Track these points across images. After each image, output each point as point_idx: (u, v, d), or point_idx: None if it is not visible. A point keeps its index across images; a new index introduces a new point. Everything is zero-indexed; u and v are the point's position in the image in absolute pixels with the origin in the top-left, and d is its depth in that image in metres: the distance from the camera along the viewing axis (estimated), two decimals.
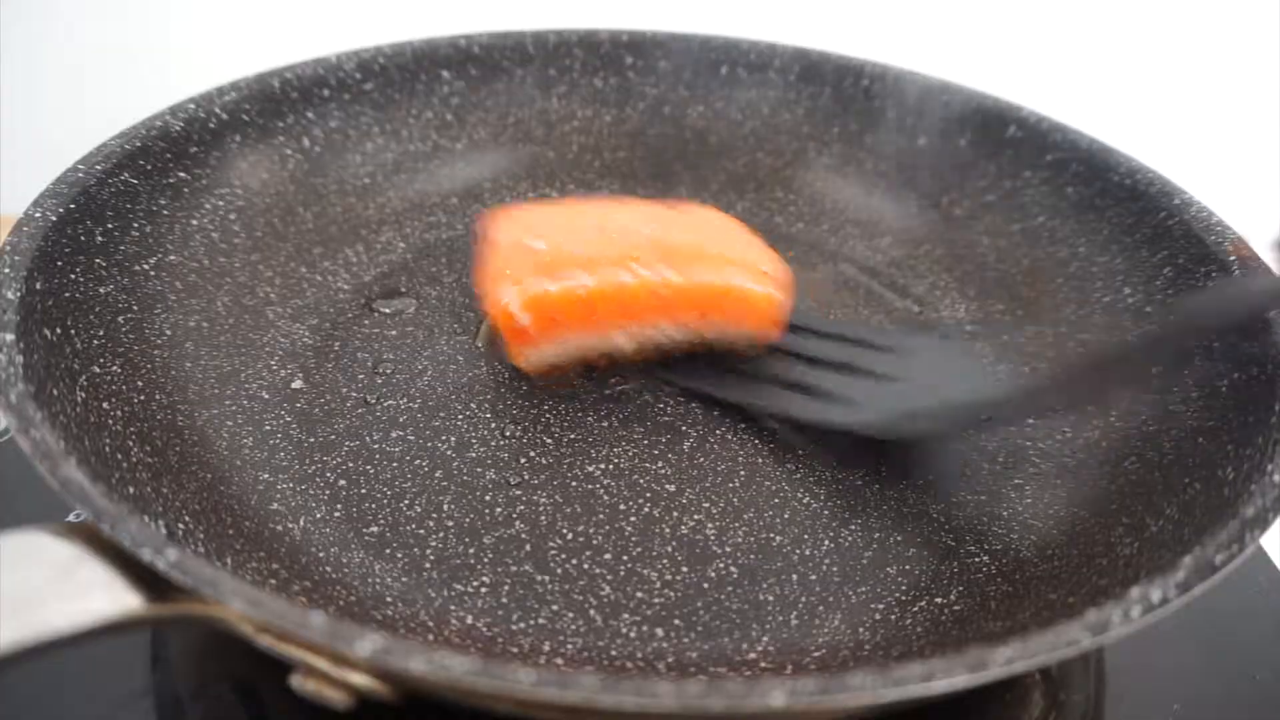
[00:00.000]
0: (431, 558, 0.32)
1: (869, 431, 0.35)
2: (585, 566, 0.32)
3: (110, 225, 0.36)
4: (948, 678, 0.21)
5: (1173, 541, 0.29)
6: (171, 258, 0.38)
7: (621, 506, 0.34)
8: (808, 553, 0.33)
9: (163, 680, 0.31)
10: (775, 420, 0.37)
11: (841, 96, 0.49)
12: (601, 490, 0.35)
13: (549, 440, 0.37)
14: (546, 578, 0.32)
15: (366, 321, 0.41)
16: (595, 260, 0.36)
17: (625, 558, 0.32)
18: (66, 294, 0.33)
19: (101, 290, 0.34)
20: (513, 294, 0.36)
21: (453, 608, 0.31)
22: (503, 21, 0.50)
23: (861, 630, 0.31)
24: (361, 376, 0.39)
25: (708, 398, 0.38)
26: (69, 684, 0.30)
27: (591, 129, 0.50)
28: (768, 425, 0.37)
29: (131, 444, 0.31)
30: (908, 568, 0.33)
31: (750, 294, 0.37)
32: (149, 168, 0.38)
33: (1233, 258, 0.36)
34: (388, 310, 0.42)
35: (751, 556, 0.33)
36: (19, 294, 0.30)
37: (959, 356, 0.38)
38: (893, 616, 0.31)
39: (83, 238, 0.34)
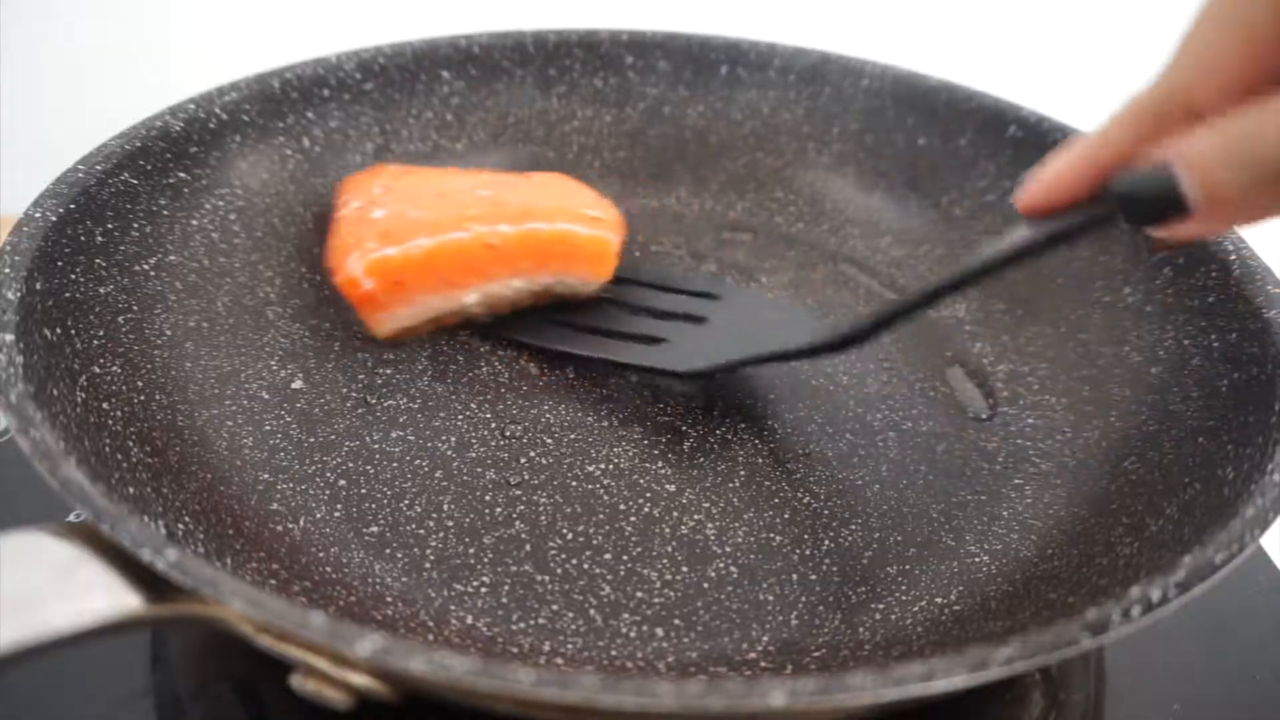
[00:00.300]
0: (431, 558, 0.32)
1: (675, 370, 0.38)
2: (585, 566, 0.32)
3: (110, 225, 0.36)
4: (948, 677, 0.21)
5: (1173, 541, 0.29)
6: (171, 258, 0.38)
7: (621, 506, 0.34)
8: (807, 552, 0.33)
9: (162, 680, 0.31)
10: (606, 364, 0.39)
11: (841, 96, 0.49)
12: (601, 490, 0.35)
13: (549, 440, 0.37)
14: (546, 578, 0.32)
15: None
16: (433, 223, 0.38)
17: (625, 558, 0.32)
18: (66, 294, 0.33)
19: (101, 290, 0.34)
20: (356, 261, 0.37)
21: (453, 608, 0.31)
22: (503, 21, 0.50)
23: (861, 630, 0.31)
24: (361, 376, 0.39)
25: (544, 350, 0.40)
26: (69, 684, 0.30)
27: (591, 129, 0.50)
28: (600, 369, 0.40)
29: (131, 444, 0.31)
30: (907, 567, 0.33)
31: (580, 237, 0.39)
32: (149, 168, 0.38)
33: (1233, 257, 0.36)
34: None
35: (751, 556, 0.33)
36: (19, 294, 0.30)
37: (772, 305, 0.41)
38: (893, 616, 0.31)
39: (83, 238, 0.34)
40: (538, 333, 0.40)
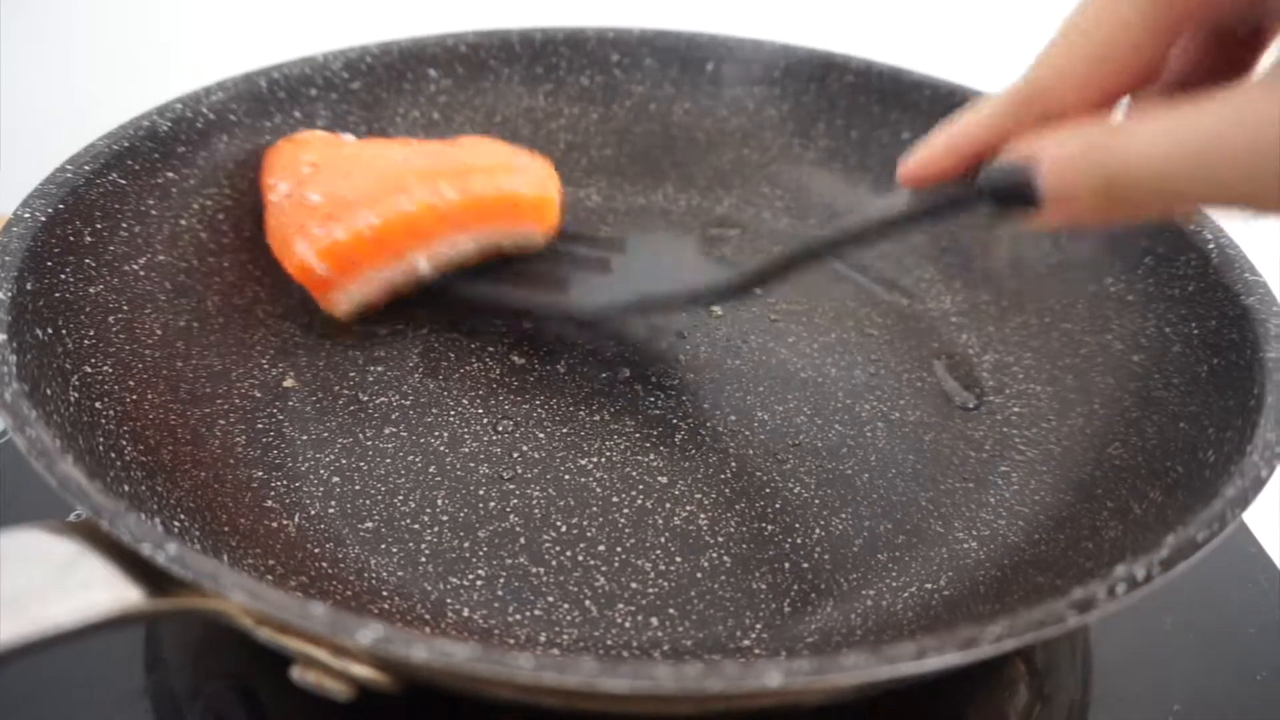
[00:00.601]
0: (427, 552, 0.32)
1: (583, 314, 0.40)
2: (580, 558, 0.32)
3: (99, 225, 0.36)
4: (939, 655, 0.21)
5: (1156, 523, 0.29)
6: (161, 258, 0.38)
7: (614, 499, 0.34)
8: (799, 541, 0.33)
9: (159, 680, 0.31)
10: (526, 314, 0.42)
11: (826, 92, 0.50)
12: (594, 483, 0.35)
13: (541, 435, 0.37)
14: (541, 570, 0.32)
15: (357, 318, 0.41)
16: (373, 196, 0.38)
17: (619, 549, 0.33)
18: (57, 294, 0.33)
19: (91, 290, 0.34)
20: (305, 249, 0.37)
21: (449, 601, 0.31)
22: (489, 20, 0.50)
23: (853, 616, 0.31)
24: (353, 374, 0.39)
25: (480, 306, 0.41)
26: (67, 684, 0.30)
27: (578, 127, 0.51)
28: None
29: (125, 443, 0.31)
30: (897, 554, 0.33)
31: (524, 194, 0.40)
32: (137, 168, 0.38)
33: (1212, 246, 0.36)
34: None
35: (744, 545, 0.33)
36: (10, 294, 0.30)
37: (677, 252, 0.45)
38: (884, 602, 0.32)
39: (72, 238, 0.34)
40: (472, 287, 0.41)
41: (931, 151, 0.27)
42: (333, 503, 0.34)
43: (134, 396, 0.33)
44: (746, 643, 0.30)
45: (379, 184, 0.38)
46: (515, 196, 0.40)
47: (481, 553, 0.32)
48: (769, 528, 0.34)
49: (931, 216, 0.28)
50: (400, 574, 0.32)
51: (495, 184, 0.39)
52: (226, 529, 0.31)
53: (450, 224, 0.39)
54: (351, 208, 0.38)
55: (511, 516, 0.34)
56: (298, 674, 0.23)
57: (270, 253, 0.42)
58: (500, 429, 0.37)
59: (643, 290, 0.39)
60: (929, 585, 0.32)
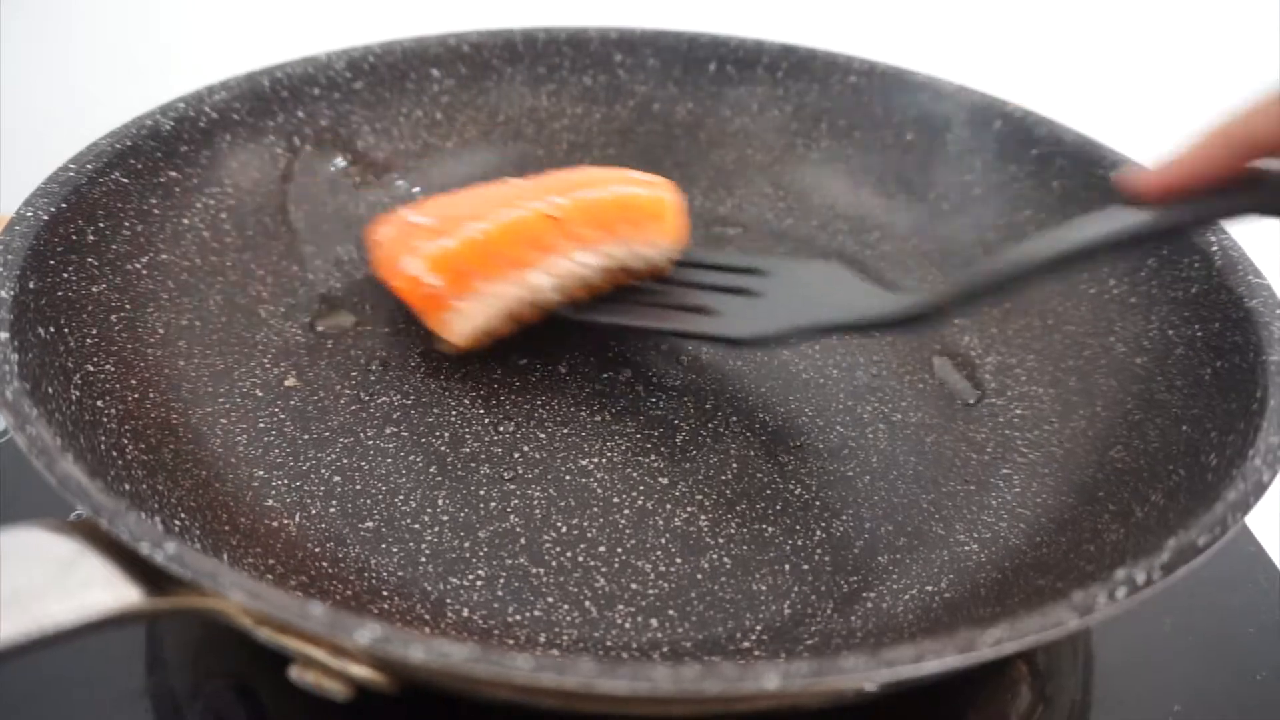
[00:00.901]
0: (427, 552, 0.32)
1: (737, 340, 0.38)
2: (580, 559, 0.32)
3: (102, 224, 0.36)
4: (938, 658, 0.21)
5: (1158, 527, 0.29)
6: (163, 256, 0.38)
7: (615, 499, 0.34)
8: (800, 543, 0.33)
9: (160, 680, 0.31)
10: (670, 335, 0.40)
11: (829, 92, 0.50)
12: (595, 484, 0.35)
13: (542, 435, 0.37)
14: (541, 570, 0.32)
15: (358, 318, 0.41)
16: (484, 211, 0.37)
17: (619, 550, 0.33)
18: (59, 293, 0.33)
19: (94, 289, 0.35)
20: (413, 262, 0.36)
21: (449, 601, 0.31)
22: (492, 20, 0.50)
23: (853, 618, 0.31)
24: (354, 374, 0.39)
25: (617, 328, 0.40)
26: (67, 684, 0.30)
27: (581, 126, 0.51)
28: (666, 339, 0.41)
29: (126, 442, 0.31)
30: (898, 557, 0.33)
31: (641, 197, 0.38)
32: (140, 167, 0.38)
33: (1215, 249, 0.36)
34: (379, 308, 0.42)
35: (744, 547, 0.33)
36: (12, 293, 0.30)
37: (827, 279, 0.40)
38: (884, 605, 0.32)
39: (74, 237, 0.34)
40: (608, 312, 0.39)
41: (1196, 157, 0.24)
42: (333, 502, 0.34)
43: (136, 395, 0.33)
44: (746, 644, 0.30)
45: (489, 202, 0.38)
46: (631, 199, 0.38)
47: (482, 553, 0.32)
48: (769, 529, 0.34)
49: (1180, 230, 0.26)
50: (400, 574, 0.32)
51: (609, 190, 0.38)
52: (227, 528, 0.31)
53: (566, 233, 0.37)
54: (461, 221, 0.36)
55: (512, 517, 0.34)
56: (296, 674, 0.23)
57: (272, 252, 0.42)
58: (501, 429, 0.37)
59: (809, 318, 0.36)
60: (930, 588, 0.32)
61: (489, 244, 0.36)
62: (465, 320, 0.37)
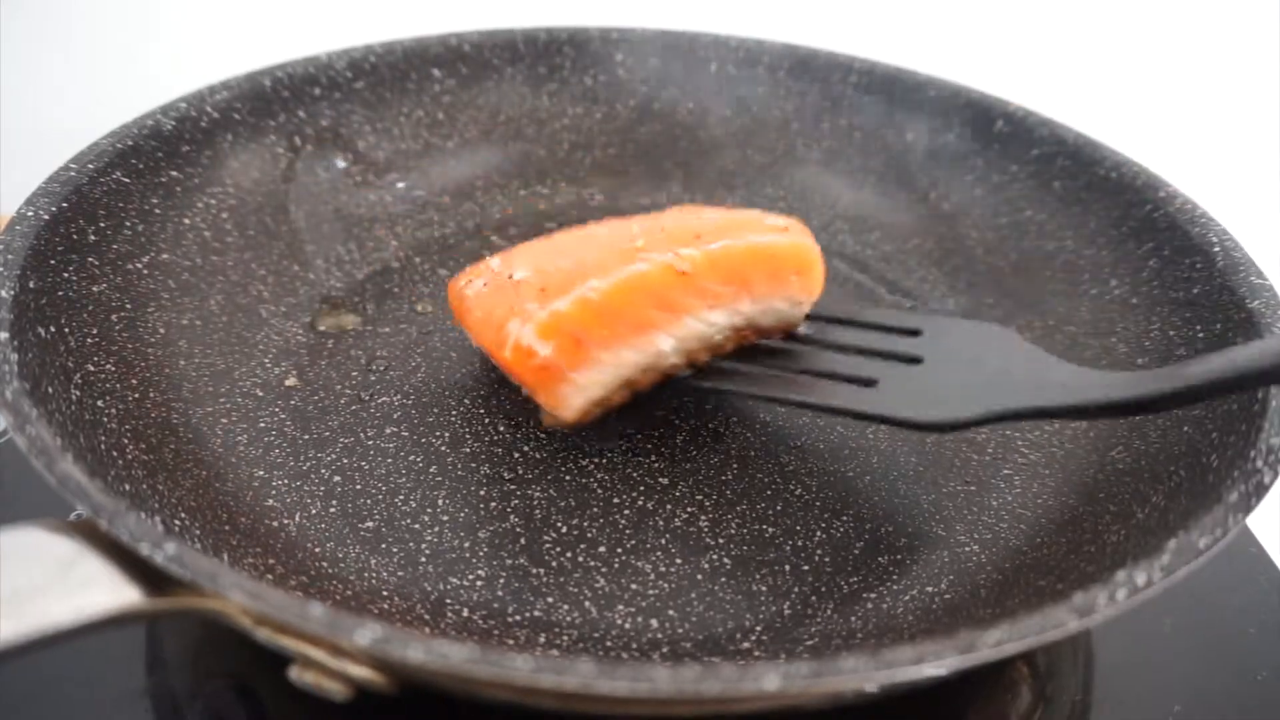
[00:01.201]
0: (427, 552, 0.32)
1: (916, 424, 0.32)
2: (580, 559, 0.32)
3: (103, 224, 0.36)
4: (938, 660, 0.21)
5: (1158, 527, 0.29)
6: (164, 256, 0.38)
7: (615, 500, 0.34)
8: (800, 543, 0.33)
9: (159, 680, 0.31)
10: (828, 412, 0.35)
11: (830, 92, 0.50)
12: (595, 484, 0.35)
13: (542, 435, 0.37)
14: (541, 570, 0.32)
15: (359, 318, 0.41)
16: (598, 263, 0.31)
17: (619, 550, 0.33)
18: (60, 292, 0.33)
19: (94, 289, 0.35)
20: (520, 329, 0.31)
21: (449, 601, 0.31)
22: (493, 20, 0.50)
23: (854, 619, 0.31)
24: (355, 374, 0.39)
25: (758, 398, 0.35)
26: (66, 684, 0.30)
27: (582, 126, 0.51)
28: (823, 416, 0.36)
29: (126, 441, 0.31)
30: (899, 557, 0.33)
31: (781, 247, 0.33)
32: (141, 166, 0.38)
33: (1217, 249, 0.36)
34: (380, 308, 0.42)
35: (744, 547, 0.33)
36: (13, 292, 0.30)
37: (993, 346, 0.34)
38: (884, 605, 0.32)
39: (75, 236, 0.34)
40: (746, 381, 0.35)
41: None
42: (333, 502, 0.34)
43: (136, 395, 0.33)
44: (746, 645, 0.30)
45: (600, 251, 0.32)
46: (771, 250, 0.32)
47: (482, 553, 0.32)
48: (770, 530, 0.34)
49: None
50: (400, 574, 0.32)
51: (744, 239, 0.32)
52: (227, 528, 0.31)
53: (697, 289, 0.31)
54: (571, 277, 0.31)
55: (512, 517, 0.34)
56: (296, 674, 0.23)
57: (273, 252, 0.42)
58: (501, 429, 0.37)
59: (1000, 401, 0.30)
60: (930, 588, 0.32)
61: (609, 305, 0.31)
62: (580, 393, 0.32)
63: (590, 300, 0.31)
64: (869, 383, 0.34)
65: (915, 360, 0.34)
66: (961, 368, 0.33)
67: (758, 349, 0.36)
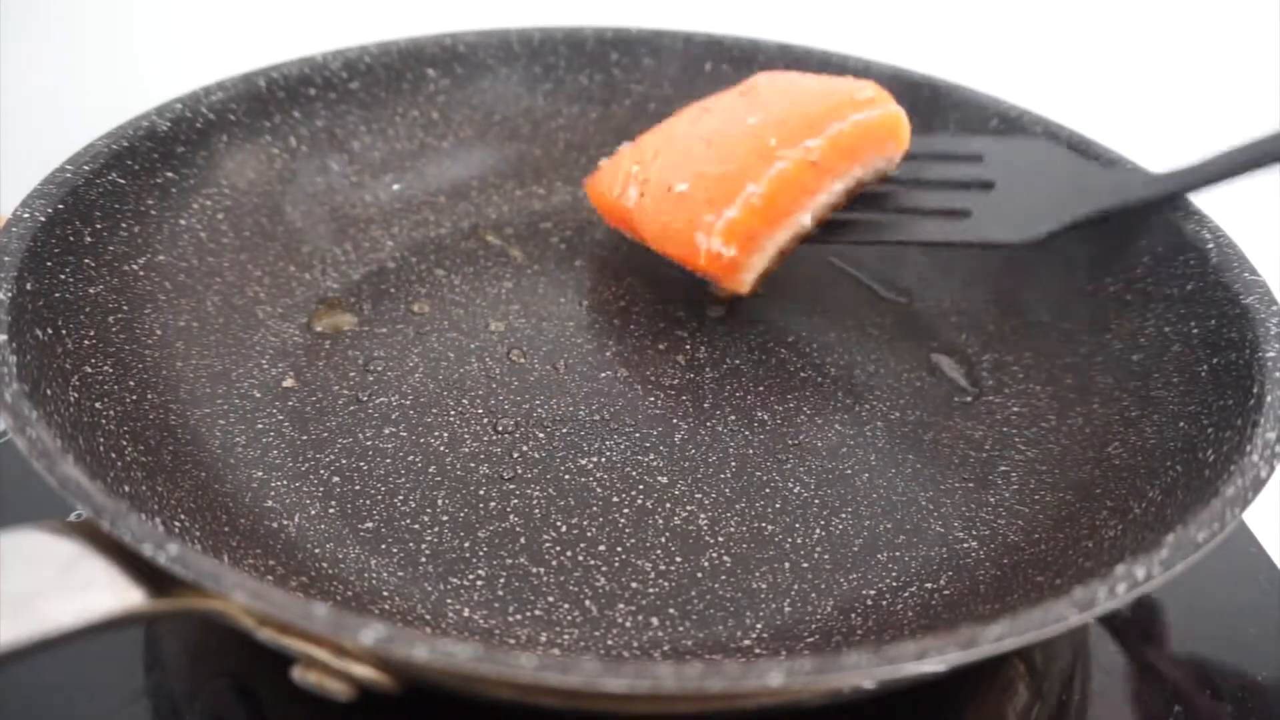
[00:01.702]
0: (427, 552, 0.32)
1: (1013, 245, 0.37)
2: (580, 558, 0.32)
3: (99, 225, 0.36)
4: (940, 655, 0.21)
5: (1156, 522, 0.29)
6: (160, 258, 0.38)
7: (615, 499, 0.34)
8: (799, 541, 0.34)
9: (159, 681, 0.31)
10: (935, 246, 0.41)
11: None
12: (594, 483, 0.35)
13: (541, 434, 0.37)
14: (542, 570, 0.32)
15: (356, 319, 0.41)
16: (745, 169, 0.38)
17: (619, 549, 0.33)
18: (57, 294, 0.33)
19: (91, 290, 0.34)
20: (709, 240, 0.38)
21: (449, 601, 0.31)
22: (488, 20, 0.50)
23: (854, 616, 0.31)
24: (353, 374, 0.39)
25: (885, 243, 0.40)
26: (66, 685, 0.30)
27: (578, 126, 0.51)
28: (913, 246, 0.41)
29: (125, 443, 0.31)
30: (898, 554, 0.33)
31: (877, 120, 0.39)
32: (136, 168, 0.38)
33: (1211, 245, 0.36)
34: (377, 308, 0.42)
35: (744, 545, 0.33)
36: (10, 294, 0.30)
37: (1048, 160, 0.39)
38: (884, 602, 0.32)
39: (71, 238, 0.34)
40: (867, 230, 0.40)
41: None
42: (333, 503, 0.34)
43: (134, 397, 0.33)
44: (747, 642, 0.30)
45: (740, 154, 0.38)
46: (872, 124, 0.39)
47: (482, 553, 0.32)
48: (769, 527, 0.34)
49: None
50: (400, 574, 0.32)
51: (849, 120, 0.39)
52: (227, 529, 0.31)
53: (827, 174, 0.39)
54: (727, 184, 0.38)
55: (511, 516, 0.34)
56: (298, 674, 0.23)
57: (269, 253, 0.42)
58: (500, 429, 0.37)
59: (1070, 211, 0.36)
60: (929, 585, 0.32)
61: (769, 206, 0.38)
62: (753, 272, 0.39)
63: (754, 205, 0.38)
64: (964, 214, 0.39)
65: (989, 185, 0.39)
66: (1028, 186, 0.38)
67: (864, 197, 0.41)
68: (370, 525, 0.33)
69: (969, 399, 0.40)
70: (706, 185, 0.38)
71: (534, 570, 0.32)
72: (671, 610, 0.31)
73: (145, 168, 0.38)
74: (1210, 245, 0.36)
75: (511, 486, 0.35)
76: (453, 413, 0.37)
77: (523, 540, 0.33)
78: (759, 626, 0.31)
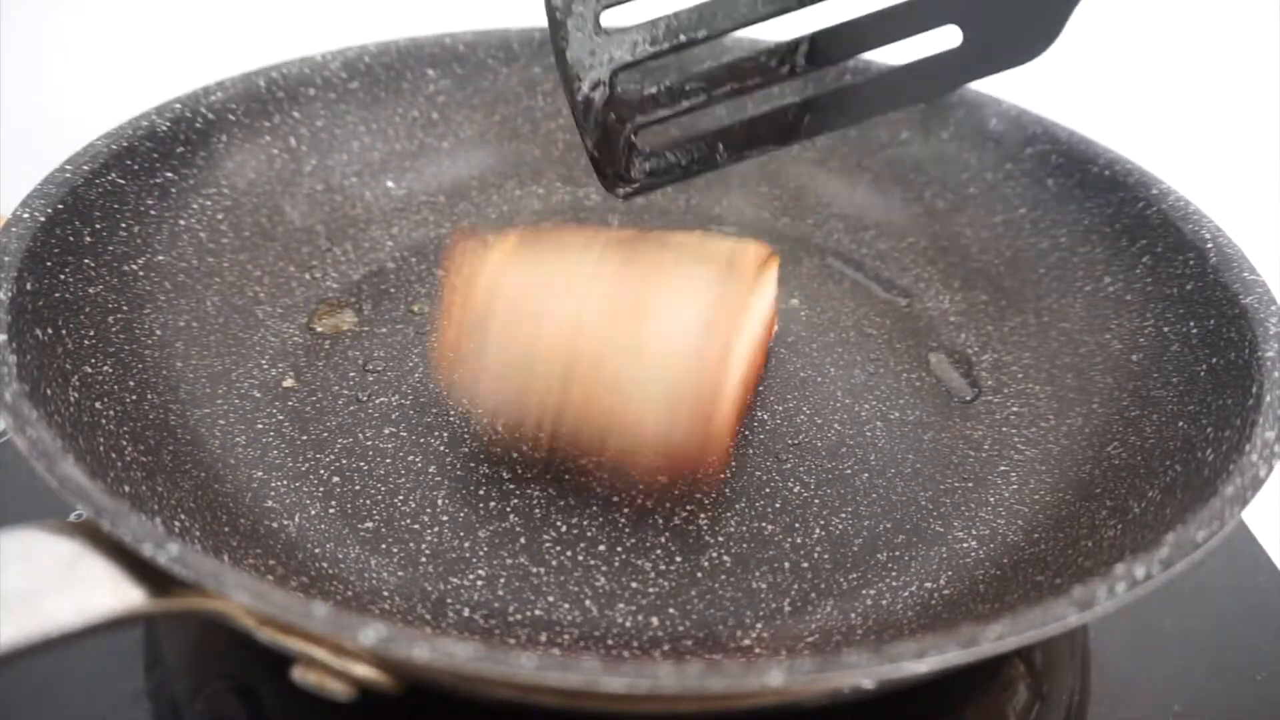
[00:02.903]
0: (427, 552, 0.32)
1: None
2: (580, 558, 0.32)
3: (98, 226, 0.36)
4: (941, 655, 0.21)
5: (1155, 522, 0.29)
6: (160, 258, 0.38)
7: (614, 498, 0.34)
8: (799, 541, 0.34)
9: (159, 681, 0.31)
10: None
11: None
12: (594, 483, 0.35)
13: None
14: (542, 570, 0.32)
15: (356, 319, 0.41)
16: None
17: (619, 549, 0.33)
18: (57, 294, 0.33)
19: (91, 290, 0.34)
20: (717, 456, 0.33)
21: (449, 601, 0.31)
22: (487, 20, 0.50)
23: (853, 615, 0.31)
24: (352, 374, 0.39)
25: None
26: (66, 686, 0.30)
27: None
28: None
29: (125, 443, 0.31)
30: (897, 554, 0.33)
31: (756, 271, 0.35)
32: (136, 168, 0.38)
33: (1210, 245, 0.36)
34: (377, 308, 0.42)
35: (744, 545, 0.33)
36: (10, 294, 0.30)
37: None
38: (884, 601, 0.32)
39: (71, 238, 0.34)
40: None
41: None
42: (333, 503, 0.34)
43: (134, 397, 0.33)
44: (747, 642, 0.30)
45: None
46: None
47: (482, 553, 0.32)
48: (769, 527, 0.34)
49: None
50: (400, 574, 0.32)
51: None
52: (227, 529, 0.31)
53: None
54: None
55: (511, 516, 0.34)
56: (299, 674, 0.23)
57: (269, 253, 0.42)
58: (500, 428, 0.37)
59: None
60: (929, 584, 0.32)
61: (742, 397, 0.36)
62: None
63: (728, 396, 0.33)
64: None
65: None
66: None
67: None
68: (370, 525, 0.33)
69: (968, 399, 0.40)
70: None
71: (534, 570, 0.32)
72: (671, 610, 0.31)
73: (145, 168, 0.38)
74: (1209, 245, 0.36)
75: (511, 486, 0.35)
76: (452, 413, 0.37)
77: (523, 540, 0.33)
78: (759, 626, 0.31)
